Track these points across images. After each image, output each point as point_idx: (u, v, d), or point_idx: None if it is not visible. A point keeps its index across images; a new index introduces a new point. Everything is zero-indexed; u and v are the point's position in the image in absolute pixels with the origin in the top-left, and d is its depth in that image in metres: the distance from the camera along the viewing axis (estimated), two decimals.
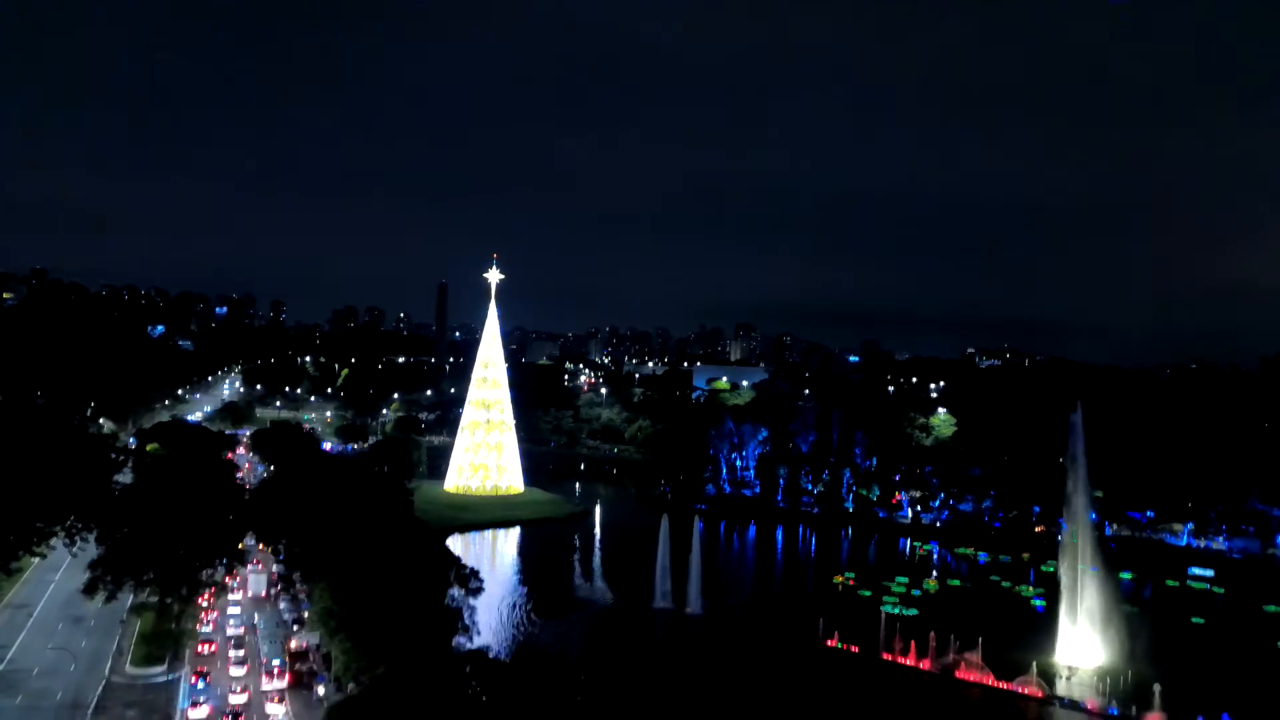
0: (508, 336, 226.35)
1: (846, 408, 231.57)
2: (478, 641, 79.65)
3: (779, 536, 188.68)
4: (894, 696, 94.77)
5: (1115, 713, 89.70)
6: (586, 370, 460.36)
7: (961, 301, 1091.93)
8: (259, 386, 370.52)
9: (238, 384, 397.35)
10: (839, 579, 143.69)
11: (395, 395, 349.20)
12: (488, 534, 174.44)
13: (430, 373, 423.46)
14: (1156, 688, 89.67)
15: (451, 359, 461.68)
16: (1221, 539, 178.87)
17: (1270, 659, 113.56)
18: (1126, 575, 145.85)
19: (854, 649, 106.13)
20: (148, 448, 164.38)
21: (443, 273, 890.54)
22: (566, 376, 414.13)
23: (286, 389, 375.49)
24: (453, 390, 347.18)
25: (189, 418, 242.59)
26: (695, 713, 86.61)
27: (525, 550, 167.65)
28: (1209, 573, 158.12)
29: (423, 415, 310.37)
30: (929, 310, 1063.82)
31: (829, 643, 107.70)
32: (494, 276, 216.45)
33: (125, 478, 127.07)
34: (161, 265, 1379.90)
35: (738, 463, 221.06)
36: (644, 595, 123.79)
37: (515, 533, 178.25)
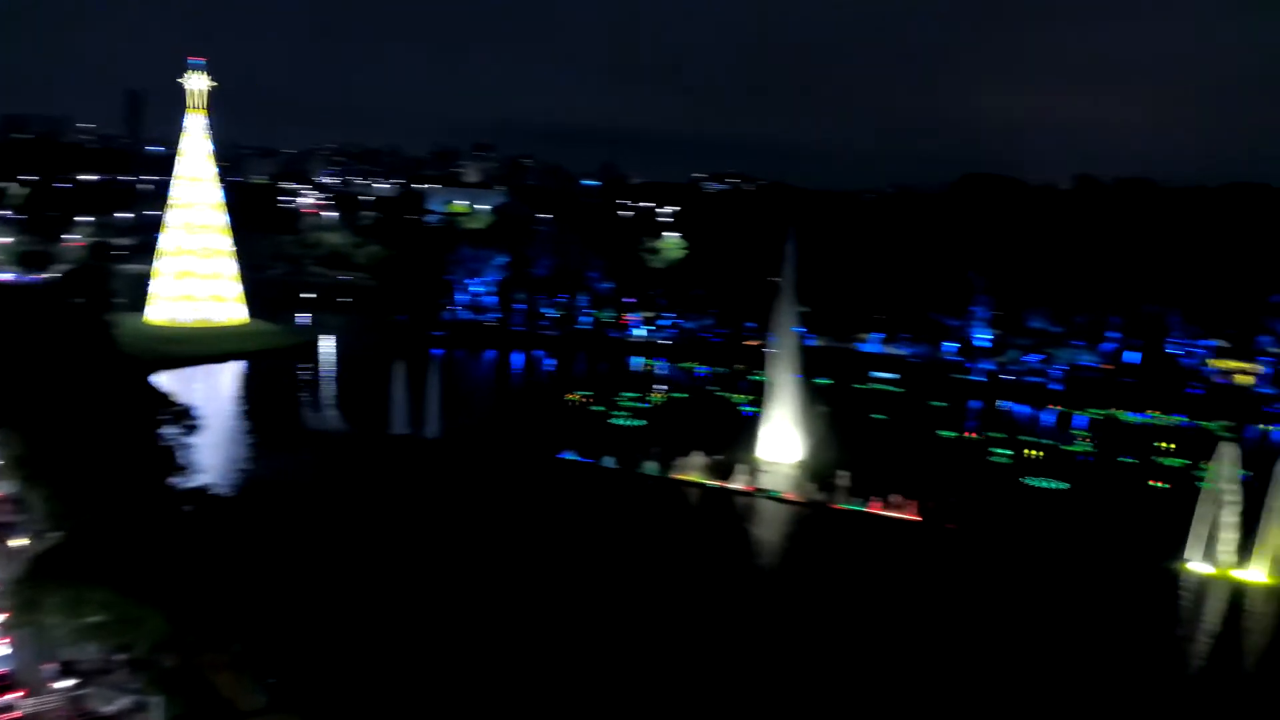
0: (219, 155, 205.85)
1: (584, 231, 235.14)
2: (200, 480, 76.72)
3: (518, 360, 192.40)
4: (621, 499, 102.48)
5: (813, 501, 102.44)
6: (312, 190, 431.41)
7: (714, 124, 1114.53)
8: None
9: None
10: (572, 396, 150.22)
11: (89, 218, 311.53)
12: (210, 368, 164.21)
13: (127, 193, 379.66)
14: (844, 475, 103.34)
15: (156, 178, 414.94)
16: (904, 346, 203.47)
17: (933, 445, 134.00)
18: (823, 380, 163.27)
19: (586, 460, 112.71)
20: None
21: (138, 80, 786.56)
22: (287, 197, 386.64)
23: None
24: (157, 213, 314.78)
25: None
26: (427, 523, 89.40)
27: (249, 384, 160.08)
28: (894, 375, 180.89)
29: (122, 240, 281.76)
30: (668, 133, 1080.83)
31: (561, 455, 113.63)
32: (197, 83, 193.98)
33: None
34: None
35: (478, 289, 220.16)
36: (379, 423, 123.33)
37: (237, 366, 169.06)
